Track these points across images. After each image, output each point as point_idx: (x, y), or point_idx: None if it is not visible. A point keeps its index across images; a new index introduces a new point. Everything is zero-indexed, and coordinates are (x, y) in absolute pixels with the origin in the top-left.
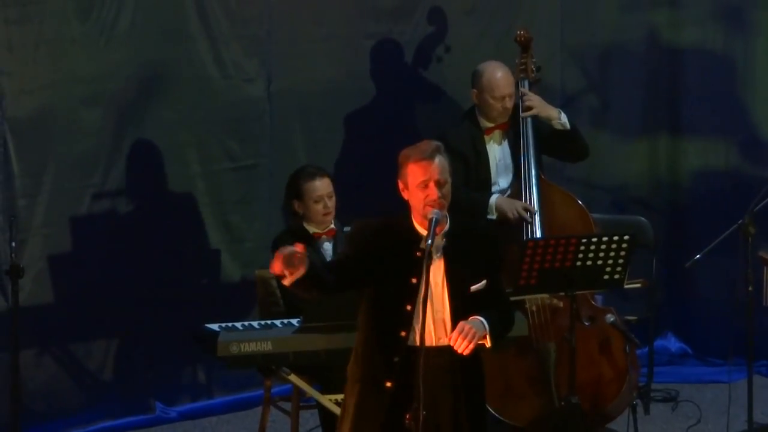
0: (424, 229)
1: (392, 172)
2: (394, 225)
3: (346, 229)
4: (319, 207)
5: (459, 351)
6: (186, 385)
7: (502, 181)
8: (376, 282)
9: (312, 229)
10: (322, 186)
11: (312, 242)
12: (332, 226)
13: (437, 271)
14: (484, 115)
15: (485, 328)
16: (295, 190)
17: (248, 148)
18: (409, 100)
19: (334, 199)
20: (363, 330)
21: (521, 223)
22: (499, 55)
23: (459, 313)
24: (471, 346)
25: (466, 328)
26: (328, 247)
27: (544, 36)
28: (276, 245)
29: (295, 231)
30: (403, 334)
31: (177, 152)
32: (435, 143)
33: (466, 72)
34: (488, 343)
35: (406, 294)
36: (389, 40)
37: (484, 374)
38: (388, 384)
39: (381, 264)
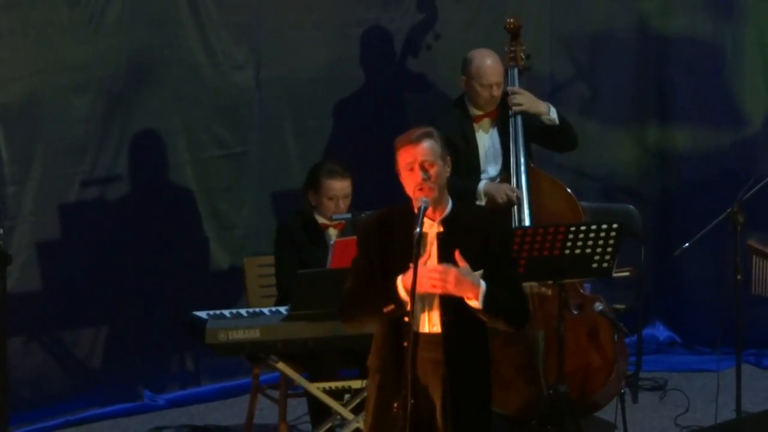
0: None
1: (381, 159)
2: (394, 214)
3: (341, 215)
4: (332, 205)
5: (431, 286)
6: (174, 372)
7: (491, 169)
8: (383, 271)
9: (321, 219)
10: (340, 186)
11: (318, 232)
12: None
13: (432, 258)
14: (472, 102)
15: (480, 285)
16: (313, 182)
17: (237, 136)
18: (399, 88)
19: (349, 199)
20: (379, 320)
21: (510, 208)
22: (488, 43)
23: (449, 302)
24: (447, 285)
25: (453, 271)
26: (335, 238)
27: (533, 24)
28: (281, 229)
29: (302, 218)
30: (406, 319)
31: (166, 139)
32: (426, 128)
33: (456, 60)
34: (478, 305)
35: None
36: (378, 28)
37: (487, 371)
38: None
39: (386, 254)
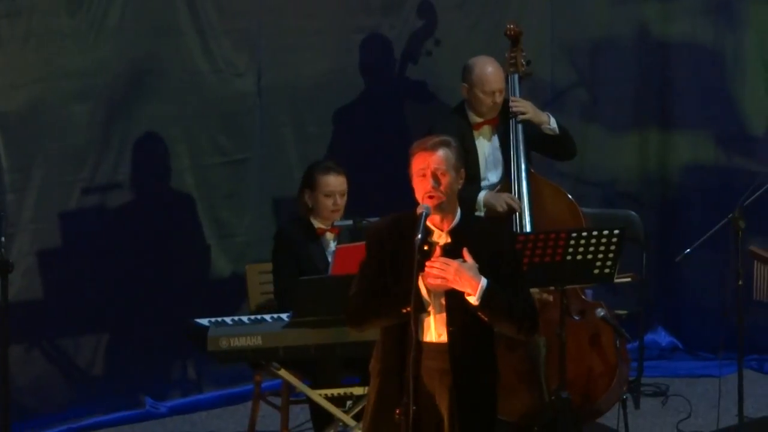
0: (432, 223)
1: (382, 166)
2: (404, 220)
3: (342, 222)
4: (329, 202)
5: (431, 277)
6: (176, 380)
7: (491, 176)
8: (394, 276)
9: (317, 224)
10: (336, 182)
11: (315, 237)
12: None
13: None
14: (473, 109)
15: (480, 280)
16: (308, 180)
17: (238, 143)
18: (399, 95)
19: (345, 198)
20: (382, 325)
21: (512, 216)
22: (489, 49)
23: (454, 312)
24: (446, 276)
25: (454, 263)
26: (331, 243)
27: (534, 30)
28: (279, 235)
29: (299, 224)
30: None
31: (167, 147)
32: (444, 137)
33: (456, 66)
34: (475, 301)
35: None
36: (379, 35)
37: (494, 381)
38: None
39: (395, 259)
